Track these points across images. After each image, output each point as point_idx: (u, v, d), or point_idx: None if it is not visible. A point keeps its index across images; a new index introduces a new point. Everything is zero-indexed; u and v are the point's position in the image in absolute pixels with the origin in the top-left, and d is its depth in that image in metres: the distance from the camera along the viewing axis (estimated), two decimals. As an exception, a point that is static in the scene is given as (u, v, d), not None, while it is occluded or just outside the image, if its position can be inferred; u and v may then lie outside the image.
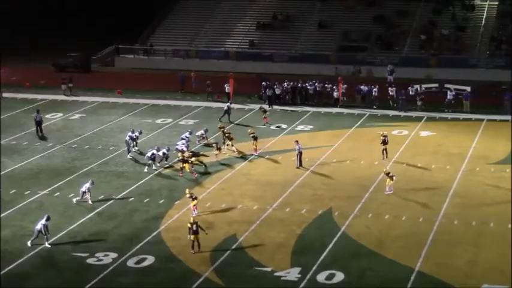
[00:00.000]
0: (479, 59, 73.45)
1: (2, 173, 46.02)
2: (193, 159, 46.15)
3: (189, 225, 35.32)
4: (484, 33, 76.66)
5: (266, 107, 59.57)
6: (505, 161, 47.85)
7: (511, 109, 58.80)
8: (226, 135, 50.13)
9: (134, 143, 50.09)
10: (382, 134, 49.02)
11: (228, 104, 58.82)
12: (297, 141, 46.85)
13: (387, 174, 42.21)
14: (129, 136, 49.74)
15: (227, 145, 49.67)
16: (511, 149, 49.49)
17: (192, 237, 35.10)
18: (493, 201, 41.11)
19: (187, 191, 40.16)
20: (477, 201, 41.07)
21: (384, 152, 48.15)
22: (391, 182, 41.81)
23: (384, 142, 48.23)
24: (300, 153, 46.32)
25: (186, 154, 46.44)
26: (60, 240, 36.53)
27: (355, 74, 72.51)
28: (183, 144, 49.09)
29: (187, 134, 50.94)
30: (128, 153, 49.18)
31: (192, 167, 45.38)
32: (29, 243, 35.76)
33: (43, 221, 35.75)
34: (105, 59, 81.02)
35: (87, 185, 41.18)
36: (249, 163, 47.87)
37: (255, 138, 49.29)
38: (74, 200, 41.22)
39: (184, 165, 45.41)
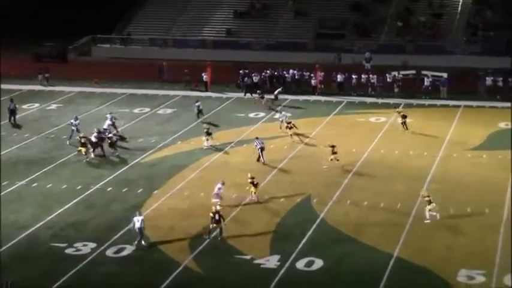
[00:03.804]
0: (456, 46, 73.73)
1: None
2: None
3: (211, 214, 35.15)
4: (460, 19, 76.93)
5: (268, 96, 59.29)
6: (481, 147, 48.15)
7: (487, 94, 59.41)
8: (205, 130, 49.60)
9: (75, 129, 50.16)
10: (397, 110, 52.07)
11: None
12: (257, 138, 46.57)
13: (428, 201, 36.99)
14: (71, 123, 50.34)
15: (206, 140, 49.21)
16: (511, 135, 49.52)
17: (214, 225, 35.00)
18: (470, 186, 41.37)
19: (249, 175, 39.93)
20: (454, 186, 41.27)
21: (404, 125, 50.58)
22: (429, 206, 36.76)
23: (403, 116, 50.70)
24: (261, 148, 45.65)
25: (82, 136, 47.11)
26: (38, 231, 36.40)
27: (338, 61, 72.36)
28: (108, 126, 49.70)
29: (110, 115, 51.51)
30: (69, 139, 49.64)
31: (95, 150, 46.59)
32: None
33: (139, 218, 34.96)
34: (81, 48, 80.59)
35: (219, 185, 39.32)
36: (228, 151, 47.87)
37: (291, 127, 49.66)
38: (214, 201, 39.09)
39: (82, 148, 46.30)
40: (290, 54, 72.63)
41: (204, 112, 55.34)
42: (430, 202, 36.86)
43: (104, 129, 49.32)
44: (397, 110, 52.79)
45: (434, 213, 36.78)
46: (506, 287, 30.73)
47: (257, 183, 39.58)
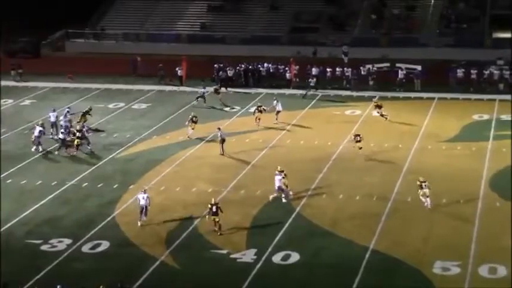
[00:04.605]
0: (430, 38, 74.06)
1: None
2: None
3: (209, 205, 35.06)
4: (433, 12, 77.30)
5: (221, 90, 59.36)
6: (455, 139, 48.45)
7: (458, 86, 59.88)
8: (191, 117, 49.46)
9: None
10: (374, 101, 52.78)
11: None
12: (219, 128, 46.71)
13: (420, 185, 37.49)
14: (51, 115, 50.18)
15: (192, 128, 49.06)
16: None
17: (211, 218, 34.88)
18: (445, 178, 41.54)
19: (278, 168, 39.37)
20: (430, 178, 41.21)
21: (382, 115, 51.43)
22: (423, 191, 37.25)
23: (378, 107, 51.55)
24: (223, 140, 45.83)
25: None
26: (13, 227, 36.17)
27: (313, 55, 72.45)
28: (65, 120, 49.40)
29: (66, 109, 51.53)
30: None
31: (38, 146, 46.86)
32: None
33: (144, 195, 35.70)
34: (55, 43, 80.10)
35: (278, 176, 38.61)
36: (203, 145, 47.83)
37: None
38: (270, 197, 38.87)
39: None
40: (265, 48, 72.65)
41: (179, 107, 55.39)
42: (421, 187, 36.99)
43: (64, 126, 48.94)
44: (374, 100, 53.32)
45: (426, 199, 36.96)
46: (481, 277, 30.96)
47: (285, 174, 39.10)
